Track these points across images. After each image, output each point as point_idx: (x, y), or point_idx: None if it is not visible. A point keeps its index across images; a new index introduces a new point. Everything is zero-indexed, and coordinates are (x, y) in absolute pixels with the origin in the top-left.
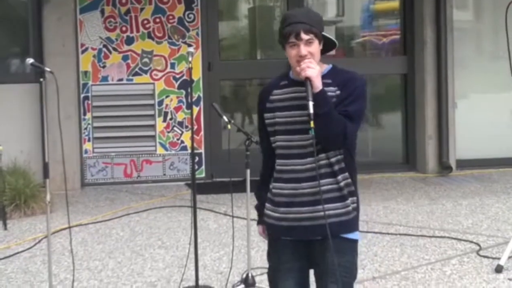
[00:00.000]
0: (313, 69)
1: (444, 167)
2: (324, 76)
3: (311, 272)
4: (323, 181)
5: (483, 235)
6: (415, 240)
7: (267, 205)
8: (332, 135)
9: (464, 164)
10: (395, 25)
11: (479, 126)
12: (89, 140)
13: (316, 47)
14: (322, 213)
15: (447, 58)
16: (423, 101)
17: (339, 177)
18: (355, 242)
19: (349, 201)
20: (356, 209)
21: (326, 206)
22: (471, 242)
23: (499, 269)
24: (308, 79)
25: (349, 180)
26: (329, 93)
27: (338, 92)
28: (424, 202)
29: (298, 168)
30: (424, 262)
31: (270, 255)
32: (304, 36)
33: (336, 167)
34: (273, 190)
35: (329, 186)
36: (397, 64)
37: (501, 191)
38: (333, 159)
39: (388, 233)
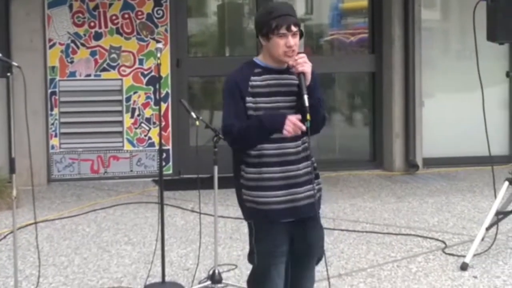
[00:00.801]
0: (308, 64)
1: (410, 165)
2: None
3: None
4: (307, 163)
5: (449, 233)
6: (381, 238)
7: (256, 192)
8: (320, 121)
9: (430, 162)
10: (363, 23)
11: (446, 124)
12: (56, 136)
13: (298, 39)
14: (312, 192)
15: (415, 57)
16: (391, 100)
17: (313, 159)
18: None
19: (320, 178)
20: None
21: (311, 185)
22: (437, 240)
23: (464, 267)
24: (302, 73)
25: (315, 161)
26: (293, 81)
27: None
28: (391, 200)
29: (289, 151)
30: (390, 260)
31: (262, 240)
32: (293, 28)
33: (309, 150)
34: (264, 175)
35: (309, 168)
36: (365, 62)
37: (467, 189)
38: (306, 144)
39: (354, 231)
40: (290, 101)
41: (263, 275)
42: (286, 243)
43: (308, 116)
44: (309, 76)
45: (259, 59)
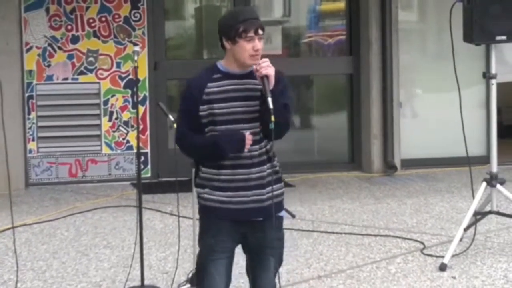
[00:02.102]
0: (271, 68)
1: (389, 167)
2: (252, 71)
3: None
4: (265, 167)
5: (428, 234)
6: (360, 239)
7: (207, 190)
8: (283, 126)
9: (408, 163)
10: (341, 25)
11: (424, 126)
12: (33, 140)
13: (263, 43)
14: (265, 196)
15: (392, 59)
16: (369, 101)
17: (275, 162)
18: (283, 218)
19: (282, 183)
20: None
21: (269, 188)
22: (416, 241)
23: (443, 268)
24: (266, 76)
25: (278, 164)
26: (257, 86)
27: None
28: (369, 202)
29: (243, 155)
30: (369, 261)
31: (204, 236)
32: (260, 32)
33: (271, 153)
34: (214, 176)
35: (269, 170)
36: (343, 64)
37: (445, 190)
38: (268, 147)
39: (333, 232)
40: (247, 106)
41: (202, 270)
42: (231, 241)
43: (272, 118)
44: (272, 80)
45: (221, 64)
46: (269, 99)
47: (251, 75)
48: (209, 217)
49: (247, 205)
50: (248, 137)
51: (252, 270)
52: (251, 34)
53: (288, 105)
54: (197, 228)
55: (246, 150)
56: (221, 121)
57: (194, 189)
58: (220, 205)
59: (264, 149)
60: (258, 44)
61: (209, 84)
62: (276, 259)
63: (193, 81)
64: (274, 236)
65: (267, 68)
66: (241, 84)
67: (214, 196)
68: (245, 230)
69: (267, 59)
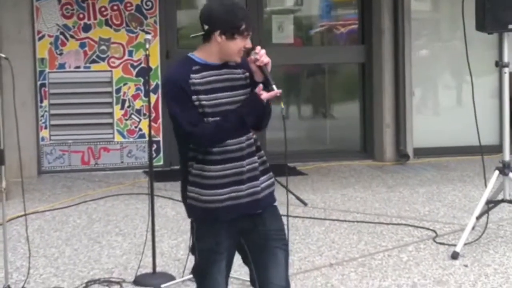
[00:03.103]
0: (267, 56)
1: (401, 155)
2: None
3: None
4: (254, 158)
5: (440, 222)
6: (372, 227)
7: (198, 189)
8: (270, 113)
9: (421, 152)
10: (354, 14)
11: (436, 114)
12: (46, 128)
13: None
14: (258, 188)
15: (405, 48)
16: (381, 90)
17: (261, 153)
18: (277, 207)
19: (271, 173)
20: None
21: (262, 179)
22: (428, 229)
23: (455, 256)
24: (265, 64)
25: (264, 155)
26: (240, 75)
27: (246, 74)
28: (382, 190)
29: (231, 148)
30: (381, 249)
31: (203, 238)
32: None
33: (258, 144)
34: (208, 173)
35: (257, 162)
36: (355, 53)
37: (457, 179)
38: (255, 136)
39: (345, 220)
40: (232, 96)
41: (204, 272)
42: (229, 239)
43: (282, 104)
44: (269, 67)
45: (196, 55)
46: (274, 86)
47: (226, 65)
48: (205, 219)
49: (243, 199)
50: (259, 90)
51: (261, 269)
52: (249, 32)
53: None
54: None
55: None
56: (210, 113)
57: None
58: (217, 205)
59: (252, 140)
60: (249, 43)
61: (192, 75)
62: (286, 252)
63: (174, 75)
64: (276, 227)
65: (266, 56)
66: (221, 74)
67: (210, 196)
68: (244, 226)
69: (259, 47)
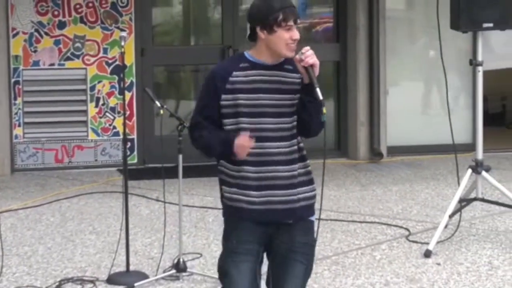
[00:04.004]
0: (315, 57)
1: (375, 154)
2: (284, 62)
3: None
4: (296, 165)
5: (413, 220)
6: (345, 226)
7: (231, 189)
8: (322, 120)
9: (395, 150)
10: (329, 13)
11: (410, 113)
12: (19, 125)
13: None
14: (295, 197)
15: (379, 46)
16: (355, 88)
17: (307, 162)
18: (314, 223)
19: (314, 184)
20: None
21: (300, 189)
22: (401, 227)
23: (427, 254)
24: (312, 66)
25: (310, 165)
26: (294, 79)
27: (301, 79)
28: (355, 188)
29: (269, 151)
30: (355, 247)
31: (229, 237)
32: (298, 21)
33: (304, 152)
34: (241, 174)
35: (302, 170)
36: (330, 51)
37: (430, 177)
38: (301, 144)
39: (319, 219)
40: (276, 99)
41: (223, 270)
42: (256, 244)
43: (324, 110)
44: (317, 70)
45: (249, 54)
46: (318, 90)
47: (281, 66)
48: (233, 217)
49: (275, 205)
50: (238, 142)
51: (277, 278)
52: (291, 23)
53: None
54: (183, 215)
55: (238, 156)
56: (246, 113)
57: (180, 177)
58: (244, 205)
59: (295, 147)
60: (297, 34)
61: (235, 73)
62: (306, 267)
63: (217, 69)
64: (302, 240)
65: (313, 57)
66: (271, 75)
67: (237, 195)
68: (272, 233)
69: (309, 47)
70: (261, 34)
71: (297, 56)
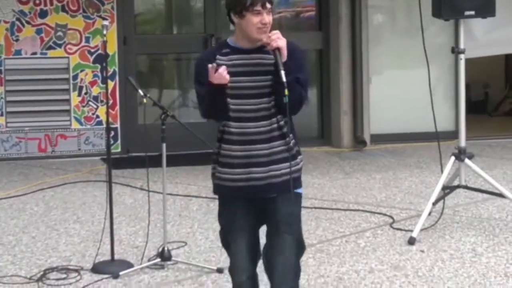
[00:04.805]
0: (282, 40)
1: (358, 142)
2: (263, 45)
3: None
4: (276, 143)
5: (396, 208)
6: (330, 214)
7: (218, 168)
8: (296, 100)
9: (378, 138)
10: (311, 1)
11: (393, 101)
12: (2, 115)
13: (271, 17)
14: (276, 172)
15: (362, 34)
16: (338, 77)
17: (288, 139)
18: (300, 195)
19: (298, 159)
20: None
21: (282, 165)
22: (385, 215)
23: (411, 241)
24: (278, 49)
25: (294, 141)
26: (268, 60)
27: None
28: (339, 176)
29: (250, 131)
30: (339, 235)
31: (222, 215)
32: (268, 6)
33: (284, 130)
34: (225, 152)
35: (281, 147)
36: (312, 39)
37: (414, 165)
38: (281, 122)
39: (303, 207)
40: (256, 81)
41: (225, 243)
42: (248, 218)
43: (286, 92)
44: (284, 52)
45: (231, 40)
46: (282, 72)
47: (260, 50)
48: (222, 195)
49: (258, 182)
50: (213, 68)
51: (270, 252)
52: (258, 7)
53: (300, 79)
54: (167, 204)
55: (212, 79)
56: (230, 94)
57: (164, 166)
58: (229, 184)
59: (275, 125)
60: (266, 18)
61: (218, 57)
62: (293, 238)
63: (203, 55)
64: (287, 211)
65: (277, 40)
66: (250, 59)
67: (225, 174)
68: (262, 206)
69: (277, 31)
70: (234, 19)
71: (265, 39)
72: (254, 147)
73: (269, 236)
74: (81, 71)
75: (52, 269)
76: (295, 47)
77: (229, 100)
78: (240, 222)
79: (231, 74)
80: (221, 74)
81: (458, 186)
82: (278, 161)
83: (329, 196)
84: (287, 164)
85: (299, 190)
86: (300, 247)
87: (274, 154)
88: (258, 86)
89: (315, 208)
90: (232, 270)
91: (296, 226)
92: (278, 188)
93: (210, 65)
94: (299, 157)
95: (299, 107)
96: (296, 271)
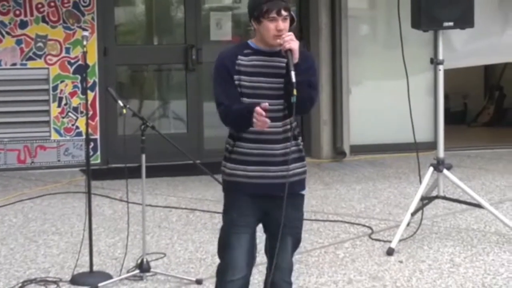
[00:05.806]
0: (295, 42)
1: (338, 153)
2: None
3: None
4: (289, 144)
5: (376, 218)
6: (309, 224)
7: (230, 164)
8: (306, 101)
9: (357, 149)
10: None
11: (373, 112)
12: None
13: (288, 24)
14: (288, 172)
15: (342, 45)
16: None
17: (299, 140)
18: (304, 197)
19: (305, 161)
20: None
21: (293, 165)
22: (364, 225)
23: (390, 252)
24: (290, 50)
25: (302, 143)
26: (281, 63)
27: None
28: (318, 187)
29: (267, 131)
30: (318, 246)
31: (229, 210)
32: (283, 13)
33: (296, 132)
34: (239, 149)
35: (294, 148)
36: None
37: (393, 176)
38: (293, 124)
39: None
40: (273, 83)
41: (224, 242)
42: (254, 216)
43: (294, 92)
44: (296, 54)
45: (252, 42)
46: (292, 73)
47: (279, 53)
48: (232, 192)
49: (272, 180)
50: (257, 110)
51: (271, 250)
52: (273, 14)
53: (312, 81)
54: (147, 215)
55: (256, 123)
56: (247, 94)
57: (143, 177)
58: (243, 180)
59: (288, 126)
60: (281, 25)
61: (240, 57)
62: (294, 239)
63: (224, 53)
64: (294, 215)
65: (290, 42)
66: (270, 61)
67: (238, 171)
68: (267, 207)
69: (291, 33)
70: (254, 24)
71: (279, 41)
72: (270, 146)
73: (272, 235)
74: (61, 82)
75: (30, 281)
76: (307, 54)
77: (245, 99)
78: (247, 219)
79: (250, 74)
80: (266, 122)
81: (437, 197)
82: (290, 162)
83: (309, 207)
84: (298, 164)
85: (304, 192)
86: (298, 245)
87: (287, 154)
88: (274, 87)
89: None
90: (224, 269)
91: (300, 229)
92: (291, 188)
93: (260, 107)
94: (305, 160)
95: (308, 109)
96: (292, 268)
